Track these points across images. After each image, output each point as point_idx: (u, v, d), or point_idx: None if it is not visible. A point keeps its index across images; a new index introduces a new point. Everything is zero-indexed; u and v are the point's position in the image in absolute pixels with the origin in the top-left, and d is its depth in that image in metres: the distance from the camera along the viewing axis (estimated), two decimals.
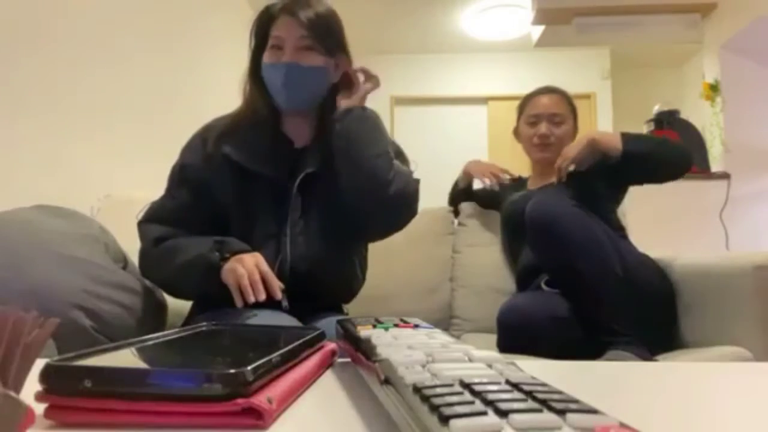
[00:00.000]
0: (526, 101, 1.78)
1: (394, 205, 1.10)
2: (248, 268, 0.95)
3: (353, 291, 1.24)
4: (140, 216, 1.15)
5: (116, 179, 1.88)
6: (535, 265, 1.53)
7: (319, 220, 1.12)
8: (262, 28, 1.15)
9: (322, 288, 1.13)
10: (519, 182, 1.87)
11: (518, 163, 2.10)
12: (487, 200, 1.89)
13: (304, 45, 1.10)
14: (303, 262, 1.09)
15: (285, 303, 0.98)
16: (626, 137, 1.50)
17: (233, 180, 1.10)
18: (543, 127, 1.69)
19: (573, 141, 1.74)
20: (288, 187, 1.12)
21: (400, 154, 1.21)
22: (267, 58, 1.13)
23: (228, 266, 0.97)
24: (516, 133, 1.82)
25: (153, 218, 1.14)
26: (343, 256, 1.17)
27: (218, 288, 0.98)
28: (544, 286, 1.47)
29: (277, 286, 0.96)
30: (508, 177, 1.83)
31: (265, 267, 0.97)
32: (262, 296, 0.93)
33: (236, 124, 1.15)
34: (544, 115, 1.70)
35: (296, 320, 1.01)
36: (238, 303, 0.95)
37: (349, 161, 1.09)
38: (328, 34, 1.12)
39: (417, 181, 1.15)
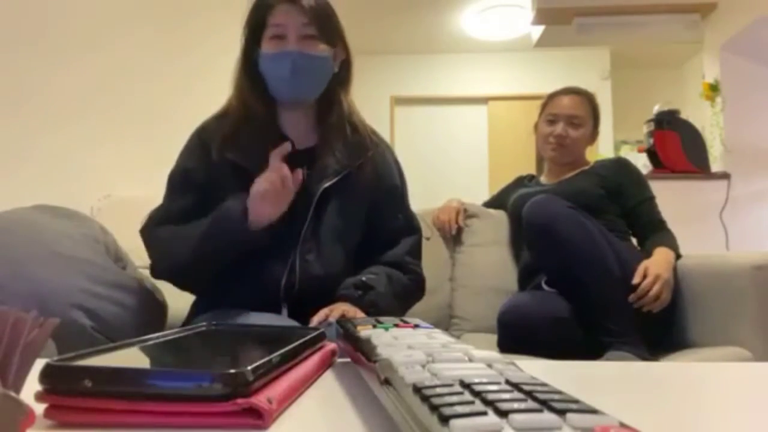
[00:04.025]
0: (548, 99, 1.77)
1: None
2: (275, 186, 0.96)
3: None
4: (143, 224, 1.09)
5: (116, 179, 1.88)
6: (535, 264, 1.53)
7: (330, 239, 1.08)
8: (258, 17, 1.10)
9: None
10: (527, 179, 1.88)
11: (518, 163, 2.11)
12: (495, 203, 1.90)
13: (306, 34, 1.07)
14: (312, 283, 1.05)
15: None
16: (675, 253, 1.47)
17: (239, 188, 1.03)
18: (559, 128, 1.68)
19: (590, 144, 1.75)
20: (295, 198, 1.03)
21: (411, 222, 1.20)
22: (268, 47, 1.08)
23: (254, 206, 0.97)
24: (536, 128, 1.81)
25: (158, 221, 1.08)
26: (353, 272, 1.10)
27: (249, 239, 0.98)
28: (544, 286, 1.47)
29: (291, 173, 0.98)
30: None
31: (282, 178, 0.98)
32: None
33: (235, 126, 1.10)
34: (562, 116, 1.69)
35: (295, 322, 1.00)
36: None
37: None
38: (329, 23, 1.09)
39: (423, 282, 1.20)
